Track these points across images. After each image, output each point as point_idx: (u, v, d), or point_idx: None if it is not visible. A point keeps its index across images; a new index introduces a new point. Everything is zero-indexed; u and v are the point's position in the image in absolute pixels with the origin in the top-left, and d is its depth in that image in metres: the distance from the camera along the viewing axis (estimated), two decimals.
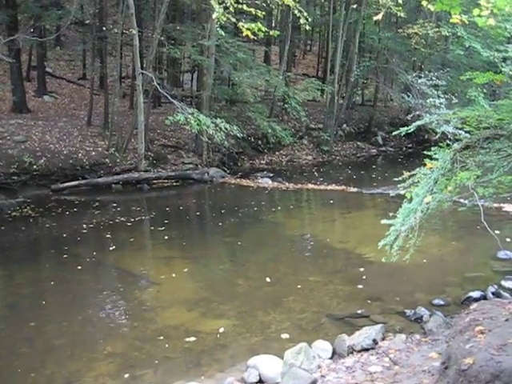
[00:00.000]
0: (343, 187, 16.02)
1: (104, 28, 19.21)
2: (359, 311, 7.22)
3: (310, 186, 16.60)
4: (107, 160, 16.73)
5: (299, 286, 8.26)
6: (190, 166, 17.90)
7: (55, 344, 6.67)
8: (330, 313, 7.28)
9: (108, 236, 11.43)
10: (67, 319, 7.33)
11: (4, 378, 6.00)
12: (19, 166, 15.28)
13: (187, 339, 6.62)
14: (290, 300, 7.82)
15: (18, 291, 8.47)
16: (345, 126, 24.54)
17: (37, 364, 6.19)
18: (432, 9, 4.88)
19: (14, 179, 15.07)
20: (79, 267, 9.38)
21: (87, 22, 24.69)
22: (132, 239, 11.19)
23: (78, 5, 24.32)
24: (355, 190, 15.80)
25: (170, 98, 16.26)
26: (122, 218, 12.62)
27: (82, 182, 15.76)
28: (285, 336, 6.63)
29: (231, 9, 14.05)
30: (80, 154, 16.54)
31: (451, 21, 4.80)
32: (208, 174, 17.12)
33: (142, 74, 16.47)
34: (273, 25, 30.54)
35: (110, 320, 7.47)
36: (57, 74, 25.21)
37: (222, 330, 6.83)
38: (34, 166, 15.52)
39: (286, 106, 21.37)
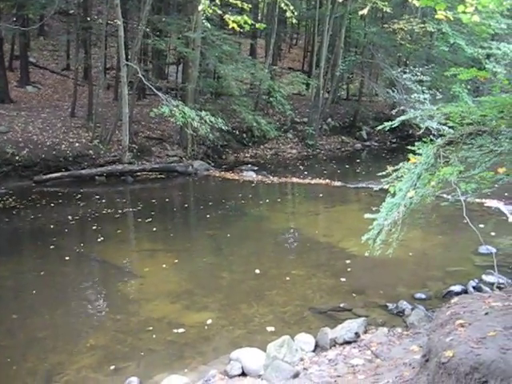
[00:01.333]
0: (327, 181, 16.08)
1: (88, 18, 19.01)
2: (342, 305, 7.27)
3: (295, 179, 16.63)
4: (91, 152, 16.62)
5: (283, 279, 8.31)
6: (175, 158, 17.84)
7: (38, 336, 6.63)
8: (312, 306, 7.32)
9: (93, 228, 11.35)
10: (50, 312, 7.30)
11: None
12: (1, 156, 15.11)
13: (170, 332, 6.63)
14: (273, 293, 7.85)
15: (2, 283, 8.40)
16: (330, 120, 24.62)
17: (19, 357, 6.16)
18: (417, 4, 4.91)
19: None
20: (64, 259, 9.35)
21: (71, 11, 24.39)
22: (118, 231, 11.15)
23: None
24: (339, 184, 15.87)
25: (154, 89, 16.20)
26: (108, 210, 12.58)
27: (66, 173, 15.64)
28: (268, 329, 6.66)
29: (217, 1, 14.00)
30: (63, 146, 16.41)
31: (436, 17, 4.84)
32: (192, 166, 17.09)
33: (127, 65, 16.37)
34: (259, 18, 30.50)
35: (93, 313, 7.45)
36: (40, 64, 24.91)
37: (205, 322, 6.85)
38: (17, 157, 15.36)
39: (271, 99, 21.37)
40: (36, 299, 7.80)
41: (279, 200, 14.91)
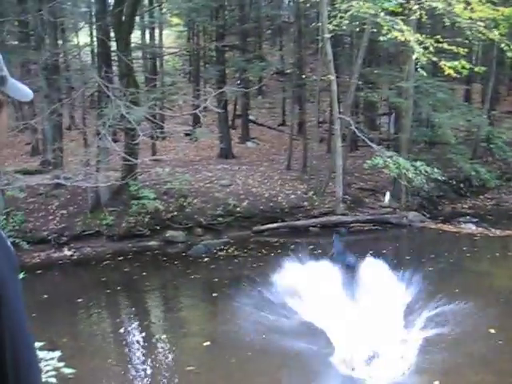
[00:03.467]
0: None
1: (303, 76, 19.93)
2: None
3: None
4: (305, 203, 17.10)
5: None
6: (388, 209, 17.52)
7: None
8: None
9: None
10: None
11: None
12: (224, 208, 16.27)
13: None
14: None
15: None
16: None
17: None
18: None
19: (219, 220, 16.07)
20: None
21: (287, 71, 25.94)
22: None
23: (278, 56, 25.78)
24: None
25: (367, 141, 16.21)
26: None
27: (282, 224, 16.26)
28: None
29: (431, 48, 13.73)
30: (280, 197, 17.14)
31: None
32: (407, 218, 16.56)
33: (340, 118, 16.69)
34: (473, 61, 29.18)
35: None
36: (259, 121, 26.72)
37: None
38: (238, 209, 16.41)
39: (490, 146, 20.05)
40: None
41: (502, 255, 13.66)
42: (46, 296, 11.29)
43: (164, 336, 9.23)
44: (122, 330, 9.59)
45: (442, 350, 7.50)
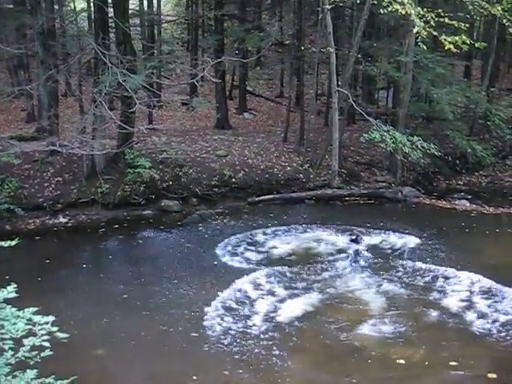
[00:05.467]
0: None
1: (302, 47, 19.74)
2: None
3: None
4: (301, 175, 17.12)
5: None
6: (383, 184, 17.56)
7: None
8: None
9: None
10: None
11: None
12: (220, 178, 16.31)
13: None
14: None
15: None
16: None
17: None
18: None
19: (214, 191, 16.11)
20: None
21: (286, 42, 25.68)
22: None
23: (278, 27, 25.49)
24: None
25: (365, 115, 16.16)
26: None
27: (277, 196, 16.32)
28: None
29: (432, 23, 13.57)
30: (275, 169, 17.15)
31: None
32: (402, 193, 16.60)
33: (338, 91, 16.58)
34: (474, 37, 28.87)
35: None
36: (256, 92, 26.55)
37: None
38: (233, 179, 16.43)
39: (488, 123, 20.00)
40: None
41: (496, 231, 13.72)
42: (53, 261, 11.49)
43: (171, 301, 9.38)
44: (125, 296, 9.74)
45: None
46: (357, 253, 11.63)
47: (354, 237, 12.54)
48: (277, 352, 7.58)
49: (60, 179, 15.17)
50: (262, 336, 8.08)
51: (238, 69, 23.63)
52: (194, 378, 7.01)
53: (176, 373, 7.30)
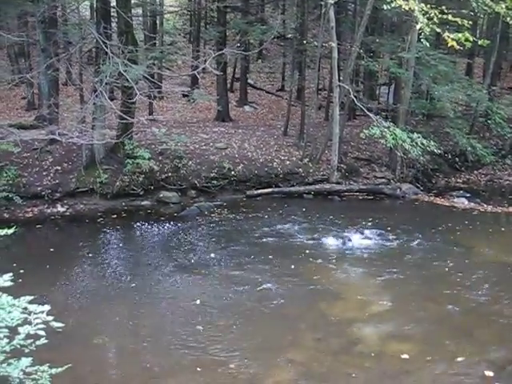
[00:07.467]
0: None
1: (304, 41, 19.68)
2: None
3: None
4: (300, 170, 17.11)
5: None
6: (382, 180, 17.57)
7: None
8: None
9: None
10: None
11: None
12: (219, 171, 16.30)
13: None
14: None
15: None
16: None
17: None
18: None
19: (213, 183, 16.09)
20: None
21: (288, 36, 25.60)
22: None
23: (280, 20, 25.40)
24: None
25: (366, 110, 16.15)
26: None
27: (276, 189, 16.31)
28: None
29: (435, 19, 13.52)
30: (275, 163, 17.13)
31: None
32: (400, 189, 16.61)
33: (340, 86, 16.56)
34: (477, 35, 28.83)
35: None
36: (257, 85, 26.52)
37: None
38: (232, 172, 16.41)
39: (488, 121, 19.98)
40: None
41: (491, 231, 13.69)
42: (52, 249, 11.44)
43: (157, 289, 9.40)
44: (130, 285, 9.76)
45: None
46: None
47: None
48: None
49: (59, 168, 15.15)
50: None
51: (239, 61, 23.63)
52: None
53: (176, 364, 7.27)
